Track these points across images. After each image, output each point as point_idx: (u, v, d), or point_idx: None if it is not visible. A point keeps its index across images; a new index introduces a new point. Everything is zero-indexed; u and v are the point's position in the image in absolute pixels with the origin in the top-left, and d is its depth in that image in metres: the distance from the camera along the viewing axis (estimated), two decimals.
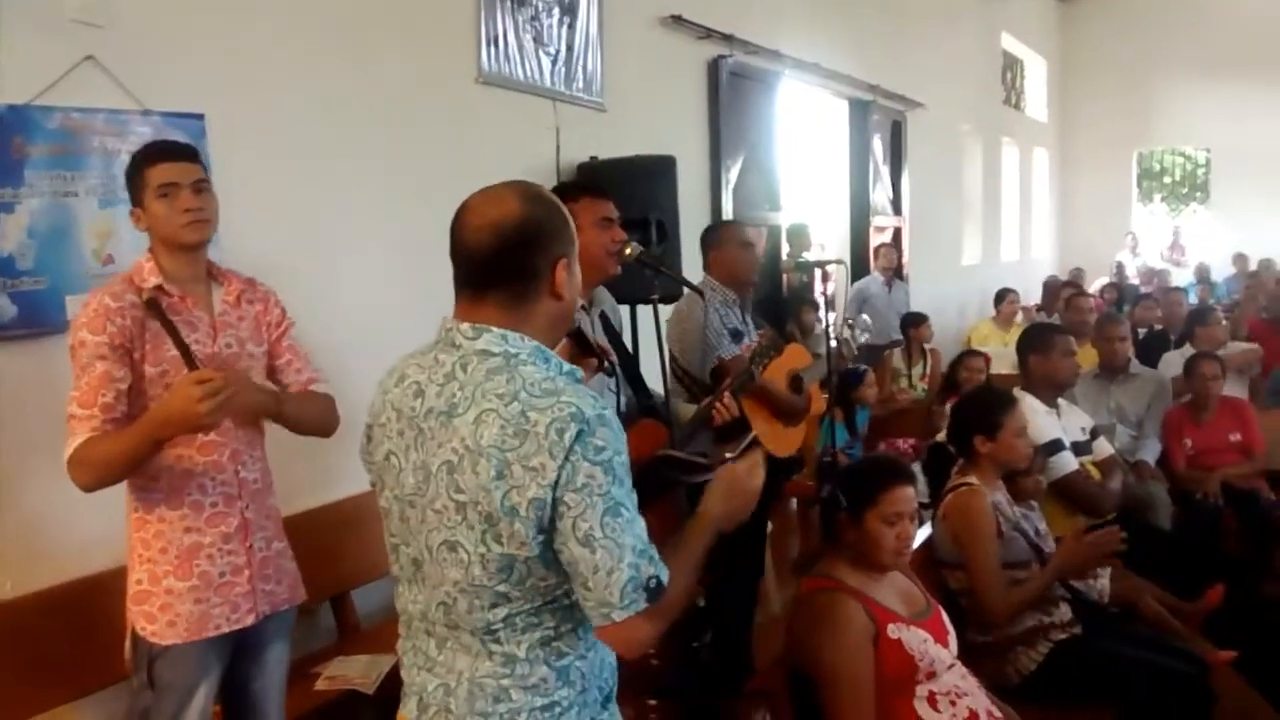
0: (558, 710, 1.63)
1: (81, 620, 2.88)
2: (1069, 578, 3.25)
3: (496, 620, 1.60)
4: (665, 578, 1.56)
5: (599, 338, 2.51)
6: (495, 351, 1.59)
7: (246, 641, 2.52)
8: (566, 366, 1.64)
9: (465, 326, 1.63)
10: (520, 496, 1.50)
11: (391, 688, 3.25)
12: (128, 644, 2.44)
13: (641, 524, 1.56)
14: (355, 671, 3.31)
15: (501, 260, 1.62)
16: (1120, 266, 13.96)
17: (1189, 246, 15.29)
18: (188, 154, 2.41)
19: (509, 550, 1.54)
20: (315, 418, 2.59)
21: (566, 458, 1.49)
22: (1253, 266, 13.11)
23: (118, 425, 2.25)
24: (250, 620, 2.46)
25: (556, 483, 1.50)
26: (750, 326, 4.15)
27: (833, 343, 4.19)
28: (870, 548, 2.62)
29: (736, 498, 1.89)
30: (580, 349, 2.33)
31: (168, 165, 2.35)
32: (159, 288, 2.35)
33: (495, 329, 1.60)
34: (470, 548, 1.56)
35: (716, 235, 4.27)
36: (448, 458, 1.56)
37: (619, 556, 1.51)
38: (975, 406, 3.47)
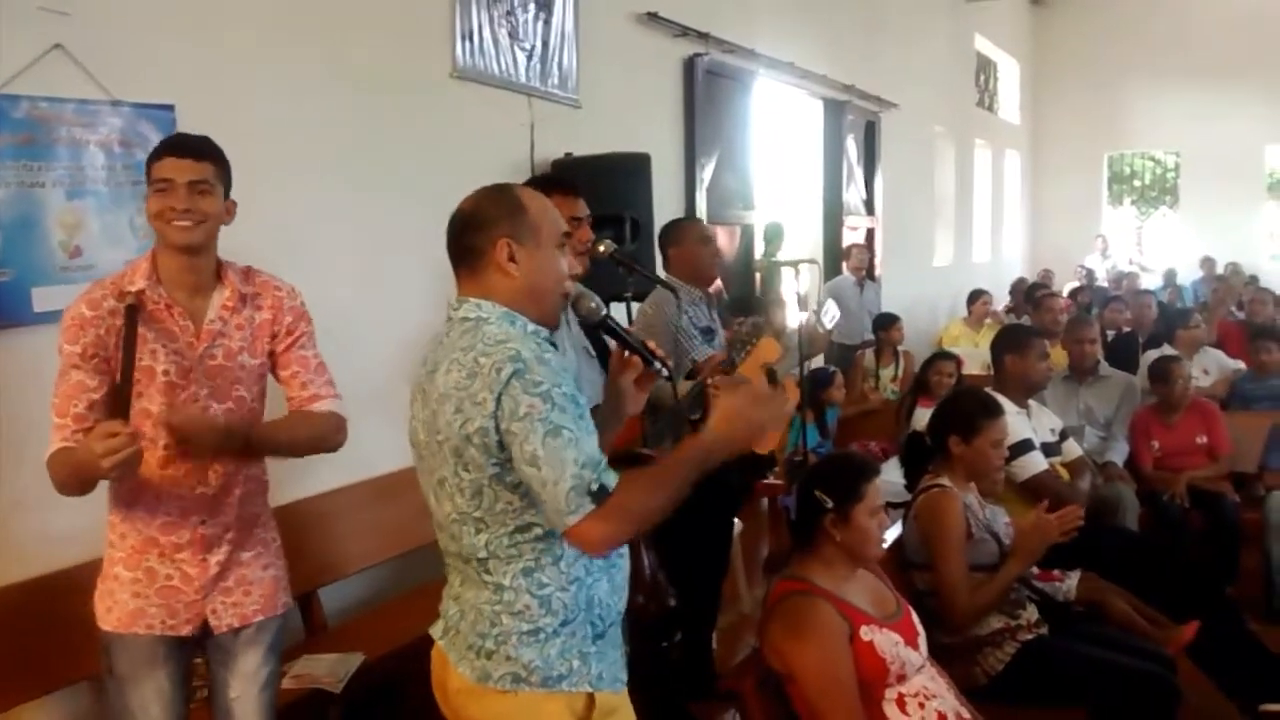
0: (542, 636, 1.87)
1: (48, 616, 2.83)
2: (1030, 562, 3.25)
3: (480, 547, 1.87)
4: (610, 482, 1.76)
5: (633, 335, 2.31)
6: (470, 317, 1.90)
7: (220, 646, 2.46)
8: (531, 327, 1.92)
9: (454, 300, 1.96)
10: (471, 427, 1.78)
11: (358, 686, 3.25)
12: None
13: (590, 443, 1.77)
14: (322, 670, 3.28)
15: (455, 244, 1.97)
16: (1090, 272, 14.05)
17: (1150, 249, 15.49)
18: (195, 151, 2.32)
19: (474, 475, 1.82)
20: (297, 441, 2.49)
21: (504, 390, 1.75)
22: (1219, 270, 13.28)
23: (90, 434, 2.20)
24: (186, 631, 2.38)
25: (497, 414, 1.76)
26: (718, 322, 4.14)
27: (803, 321, 4.17)
28: (861, 542, 2.63)
29: (737, 422, 1.89)
30: (622, 347, 2.20)
31: (169, 160, 2.29)
32: (142, 292, 2.29)
33: (472, 299, 1.92)
34: (451, 479, 1.86)
35: (675, 233, 4.20)
36: (433, 407, 1.86)
37: (561, 470, 1.73)
38: (959, 406, 3.48)
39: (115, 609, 2.36)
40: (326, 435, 2.50)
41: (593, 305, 2.20)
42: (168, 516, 2.36)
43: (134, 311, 2.23)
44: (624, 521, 1.79)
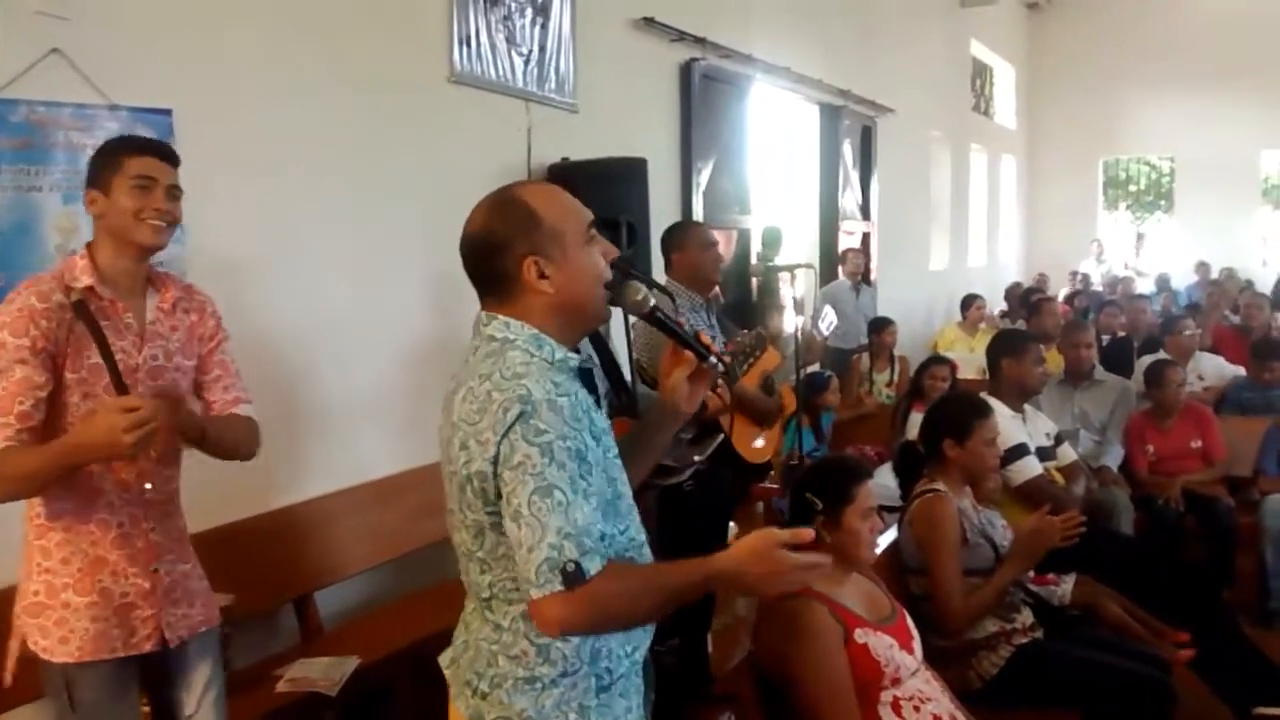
0: (539, 685, 1.72)
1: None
2: (1027, 565, 3.26)
3: (484, 586, 1.74)
4: (589, 567, 1.57)
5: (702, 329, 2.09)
6: (497, 337, 1.72)
7: (169, 668, 2.42)
8: (559, 355, 1.73)
9: (484, 314, 1.78)
10: (472, 467, 1.64)
11: (354, 690, 3.25)
12: (13, 660, 2.32)
13: (585, 510, 1.60)
14: (317, 673, 3.27)
15: (475, 270, 1.77)
16: (1085, 277, 14.07)
17: (1146, 254, 15.52)
18: (172, 157, 2.33)
19: (475, 516, 1.69)
20: (235, 443, 2.46)
21: (505, 435, 1.60)
22: (1214, 274, 13.30)
23: (34, 434, 2.14)
24: (148, 647, 2.33)
25: (496, 458, 1.61)
26: (717, 329, 4.13)
27: (799, 333, 4.18)
28: (852, 545, 2.63)
29: (756, 565, 1.65)
30: (681, 344, 2.01)
31: (152, 159, 2.27)
32: (89, 289, 2.23)
33: (502, 317, 1.74)
34: (457, 512, 1.73)
35: (678, 237, 4.18)
36: (449, 432, 1.72)
37: (540, 536, 1.57)
38: (949, 410, 3.50)
39: (74, 638, 2.25)
40: (250, 441, 2.50)
41: (639, 298, 1.96)
42: (120, 528, 2.30)
43: (83, 307, 2.18)
44: (589, 615, 1.60)
